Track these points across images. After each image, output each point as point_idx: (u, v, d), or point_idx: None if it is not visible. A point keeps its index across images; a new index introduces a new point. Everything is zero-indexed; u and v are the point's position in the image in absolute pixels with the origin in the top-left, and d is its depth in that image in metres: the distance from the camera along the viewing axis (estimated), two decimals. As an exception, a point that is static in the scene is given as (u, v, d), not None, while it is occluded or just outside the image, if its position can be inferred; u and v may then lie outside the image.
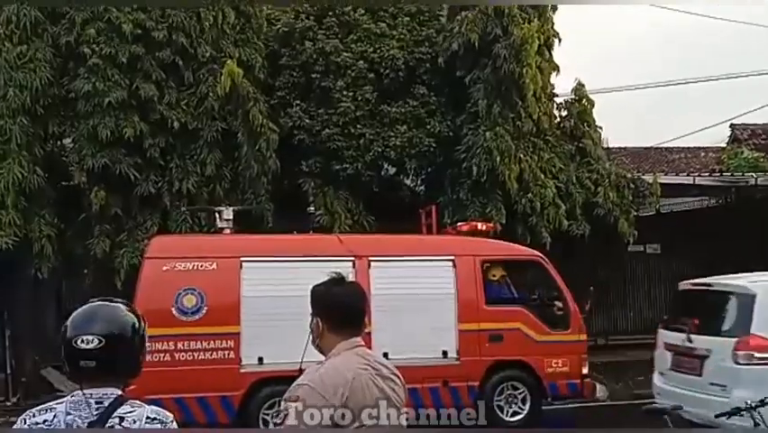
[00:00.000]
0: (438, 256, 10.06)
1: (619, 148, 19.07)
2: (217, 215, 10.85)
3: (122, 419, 2.39)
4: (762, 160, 17.75)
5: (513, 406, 9.85)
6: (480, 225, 11.09)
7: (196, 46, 12.62)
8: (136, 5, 12.30)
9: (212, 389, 8.85)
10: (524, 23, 12.95)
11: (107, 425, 2.37)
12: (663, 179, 14.73)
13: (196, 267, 9.11)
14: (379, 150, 13.37)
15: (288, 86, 13.68)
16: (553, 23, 14.03)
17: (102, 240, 12.20)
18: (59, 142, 12.92)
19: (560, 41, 13.97)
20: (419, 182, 15.31)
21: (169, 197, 12.54)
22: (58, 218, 12.39)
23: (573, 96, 14.53)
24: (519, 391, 9.88)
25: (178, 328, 8.86)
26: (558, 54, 14.00)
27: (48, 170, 12.29)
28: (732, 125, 21.35)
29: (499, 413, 9.71)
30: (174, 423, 2.46)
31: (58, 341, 2.46)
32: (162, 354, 8.71)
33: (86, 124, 12.09)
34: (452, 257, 9.95)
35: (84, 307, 2.50)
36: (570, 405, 10.53)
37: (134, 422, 2.40)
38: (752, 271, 8.53)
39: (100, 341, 2.38)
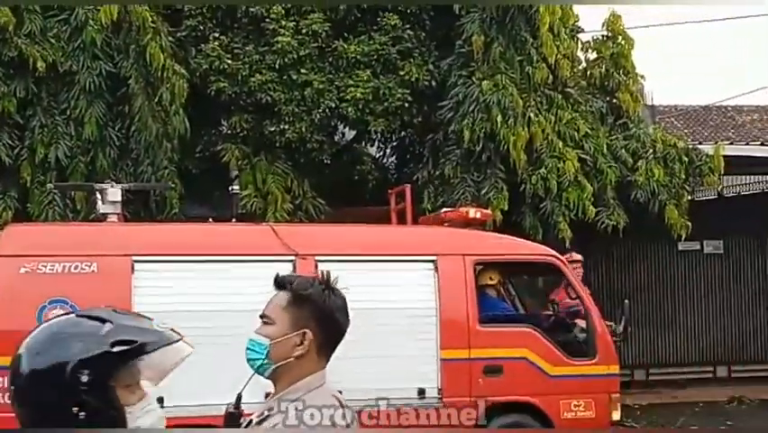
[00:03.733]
0: (413, 256, 10.11)
1: (668, 106, 19.31)
2: (99, 195, 10.77)
3: None
4: None
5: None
6: (472, 213, 11.15)
7: (68, -49, 12.57)
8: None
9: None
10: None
11: None
12: (729, 150, 14.85)
13: (67, 269, 9.05)
14: (332, 105, 13.37)
15: (203, 12, 13.59)
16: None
17: (-69, 230, 12.08)
18: None
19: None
20: (388, 152, 15.35)
21: (30, 168, 12.46)
22: None
23: (605, 33, 14.64)
24: (525, 445, 10.01)
25: (43, 357, 8.81)
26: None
27: None
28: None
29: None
30: None
31: None
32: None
33: None
34: (434, 257, 10.01)
35: None
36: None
37: None
38: None
39: None
